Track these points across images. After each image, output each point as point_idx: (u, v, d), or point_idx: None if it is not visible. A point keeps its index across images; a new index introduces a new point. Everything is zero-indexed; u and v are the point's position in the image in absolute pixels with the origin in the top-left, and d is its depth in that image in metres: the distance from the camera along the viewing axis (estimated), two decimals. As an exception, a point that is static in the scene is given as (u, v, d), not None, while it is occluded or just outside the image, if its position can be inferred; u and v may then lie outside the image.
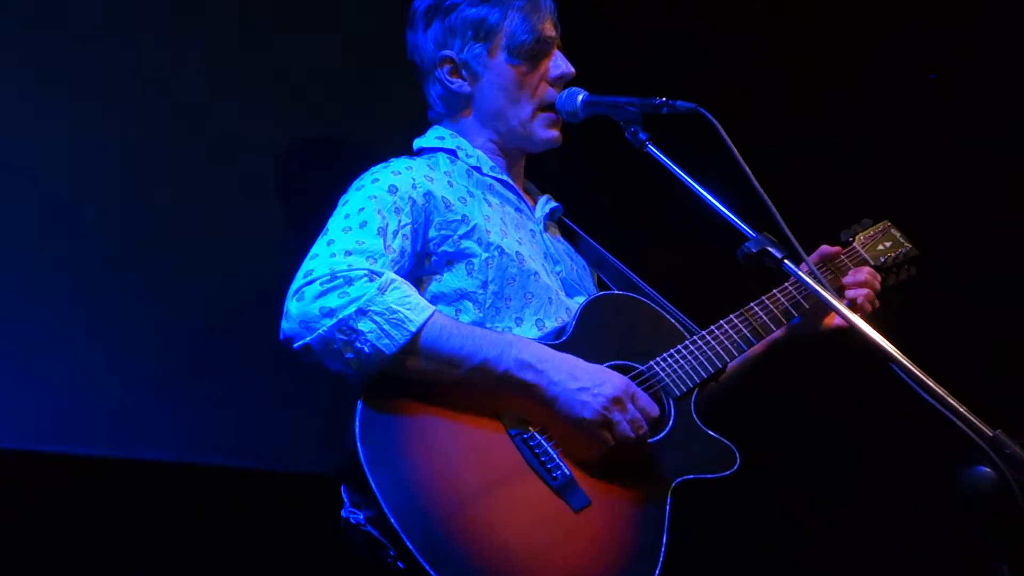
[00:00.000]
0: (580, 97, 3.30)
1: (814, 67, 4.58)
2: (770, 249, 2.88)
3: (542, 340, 3.06)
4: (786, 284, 3.34)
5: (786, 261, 2.88)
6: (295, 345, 2.85)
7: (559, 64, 3.35)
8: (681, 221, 3.52)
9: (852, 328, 2.76)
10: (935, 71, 4.47)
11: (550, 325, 3.17)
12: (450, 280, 3.11)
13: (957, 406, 2.55)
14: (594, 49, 3.56)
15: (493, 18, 3.28)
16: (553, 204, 3.45)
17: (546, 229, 3.40)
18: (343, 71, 4.04)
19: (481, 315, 3.10)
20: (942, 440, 2.50)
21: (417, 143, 3.39)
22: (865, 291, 3.35)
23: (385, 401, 2.86)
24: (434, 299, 3.10)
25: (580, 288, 3.34)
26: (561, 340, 3.08)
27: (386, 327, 2.82)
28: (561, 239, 3.46)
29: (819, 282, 2.94)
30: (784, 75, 4.62)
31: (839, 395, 4.47)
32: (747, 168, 2.94)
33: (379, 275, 2.85)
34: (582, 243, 3.50)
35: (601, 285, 3.52)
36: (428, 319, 2.86)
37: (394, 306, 2.83)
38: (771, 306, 3.30)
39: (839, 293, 3.31)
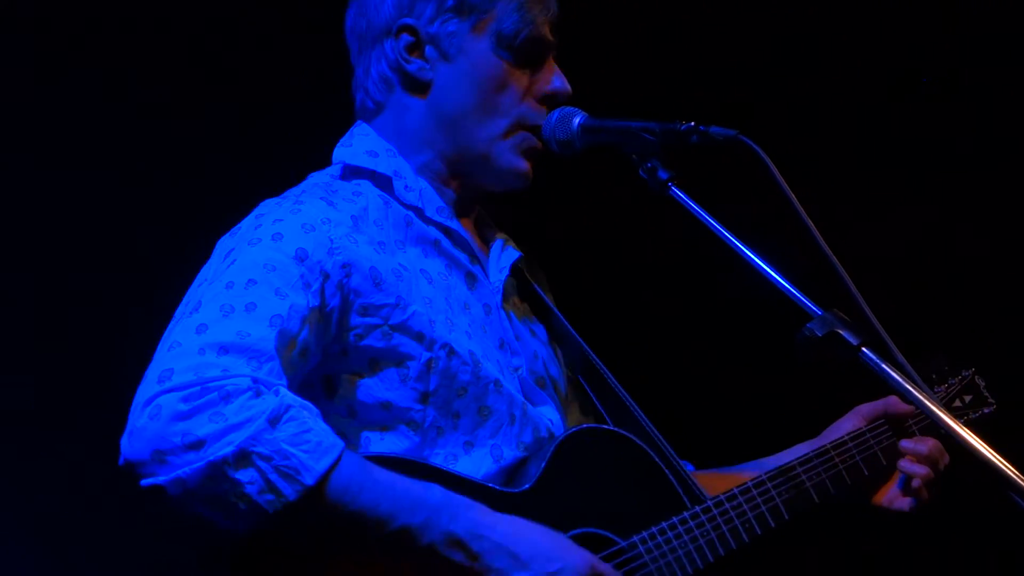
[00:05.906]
0: (577, 120, 2.58)
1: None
2: (842, 332, 2.22)
3: (495, 479, 2.48)
4: (864, 430, 2.77)
5: (865, 350, 2.22)
6: (143, 482, 2.21)
7: (555, 79, 2.62)
8: (711, 293, 2.80)
9: (979, 465, 2.09)
10: (927, 76, 4.12)
11: (509, 454, 2.51)
12: (374, 388, 2.46)
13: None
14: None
15: None
16: (513, 253, 2.71)
17: (504, 299, 2.65)
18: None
19: (418, 439, 2.47)
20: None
21: (339, 154, 2.63)
22: (925, 470, 2.75)
23: None
24: (350, 413, 2.47)
25: (545, 390, 2.64)
26: (523, 488, 2.45)
27: (272, 477, 2.19)
28: (518, 311, 2.72)
29: (915, 383, 2.21)
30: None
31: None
32: (810, 221, 2.33)
33: (267, 390, 2.22)
34: (542, 309, 2.76)
35: (573, 383, 2.77)
36: (331, 465, 2.22)
37: (286, 447, 2.19)
38: (824, 467, 2.71)
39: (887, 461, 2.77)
